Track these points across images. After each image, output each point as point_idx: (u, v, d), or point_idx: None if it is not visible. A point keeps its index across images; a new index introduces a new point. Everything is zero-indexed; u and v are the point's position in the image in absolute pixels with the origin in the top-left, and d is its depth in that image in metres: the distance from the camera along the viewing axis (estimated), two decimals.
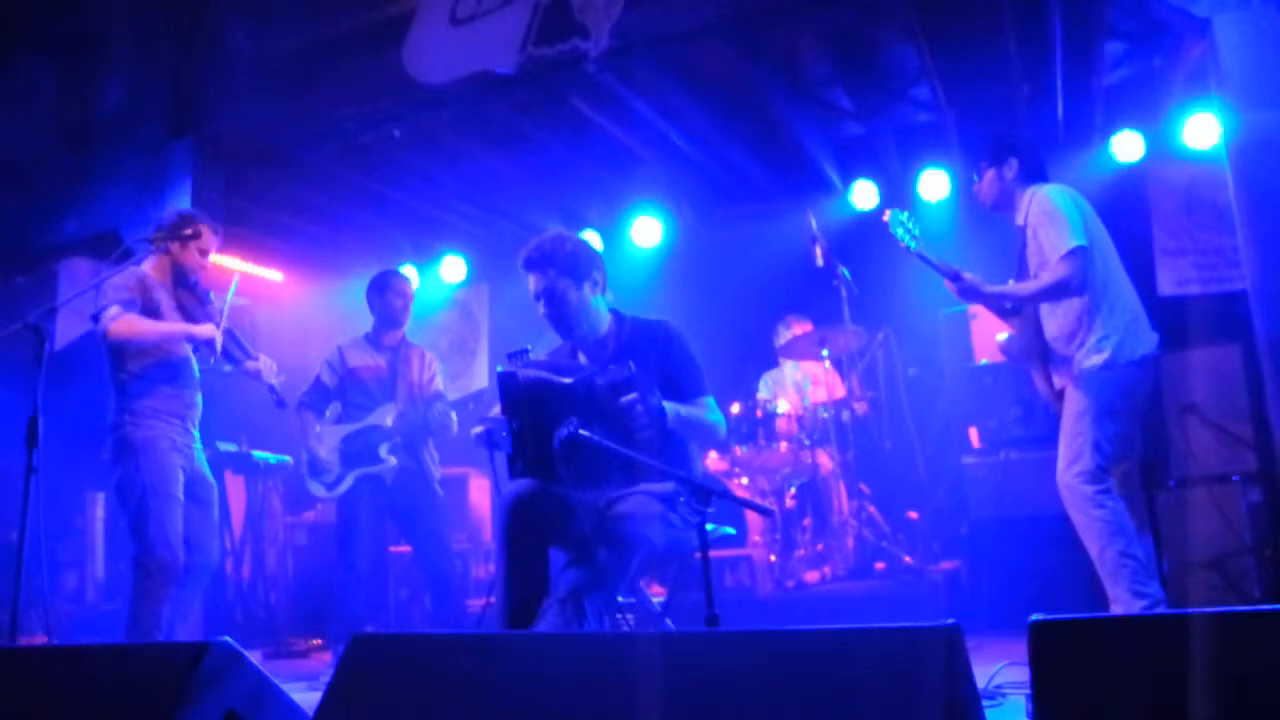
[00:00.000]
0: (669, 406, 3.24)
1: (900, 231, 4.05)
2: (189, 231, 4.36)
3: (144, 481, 4.15)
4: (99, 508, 7.42)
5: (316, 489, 5.26)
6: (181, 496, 4.23)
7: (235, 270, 7.66)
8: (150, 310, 4.27)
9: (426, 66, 5.43)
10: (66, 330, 6.92)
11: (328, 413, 5.35)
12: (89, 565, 7.34)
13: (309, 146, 6.17)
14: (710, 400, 3.51)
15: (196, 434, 4.44)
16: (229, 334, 4.48)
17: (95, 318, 4.21)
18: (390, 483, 5.19)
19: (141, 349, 4.24)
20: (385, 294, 5.41)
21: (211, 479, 4.50)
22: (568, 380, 3.11)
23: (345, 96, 5.67)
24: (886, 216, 4.09)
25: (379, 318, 5.43)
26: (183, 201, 5.80)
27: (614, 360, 3.36)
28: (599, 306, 3.56)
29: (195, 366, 4.44)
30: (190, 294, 4.44)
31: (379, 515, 5.26)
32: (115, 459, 4.24)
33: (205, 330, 4.31)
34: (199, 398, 4.45)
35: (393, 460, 5.18)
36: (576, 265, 3.50)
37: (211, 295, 4.54)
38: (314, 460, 5.23)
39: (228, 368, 4.66)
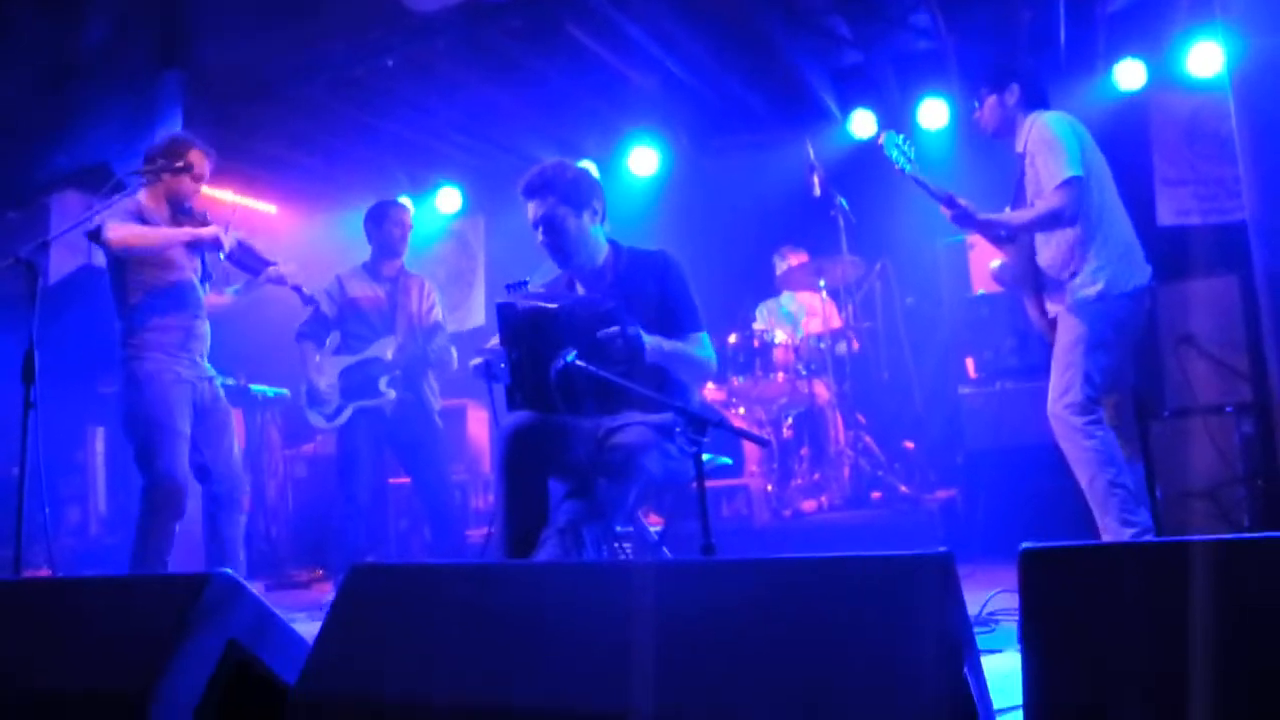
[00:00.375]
0: (649, 340, 3.21)
1: (895, 154, 4.02)
2: (180, 163, 4.30)
3: (147, 414, 4.17)
4: (99, 442, 7.46)
5: (316, 420, 5.28)
6: (187, 429, 4.22)
7: (230, 202, 7.62)
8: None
9: None
10: (60, 264, 6.89)
11: (327, 342, 5.35)
12: (91, 499, 7.40)
13: (301, 78, 6.09)
14: (703, 336, 3.49)
15: (206, 363, 4.42)
16: (241, 245, 4.46)
17: (96, 234, 4.17)
18: (390, 415, 5.21)
19: (143, 266, 4.20)
20: (383, 223, 5.38)
21: (226, 406, 4.49)
22: (552, 305, 3.10)
23: (337, 26, 5.59)
24: (881, 139, 4.06)
25: (377, 247, 5.41)
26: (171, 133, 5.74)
27: (610, 291, 3.35)
28: (597, 236, 3.54)
29: (200, 293, 4.41)
30: (189, 218, 4.40)
31: (378, 447, 5.28)
32: (121, 392, 4.25)
33: (210, 231, 4.27)
34: (206, 327, 4.42)
35: (392, 394, 5.19)
36: (577, 193, 3.48)
37: (207, 216, 4.51)
38: (313, 391, 5.24)
39: (238, 283, 4.65)
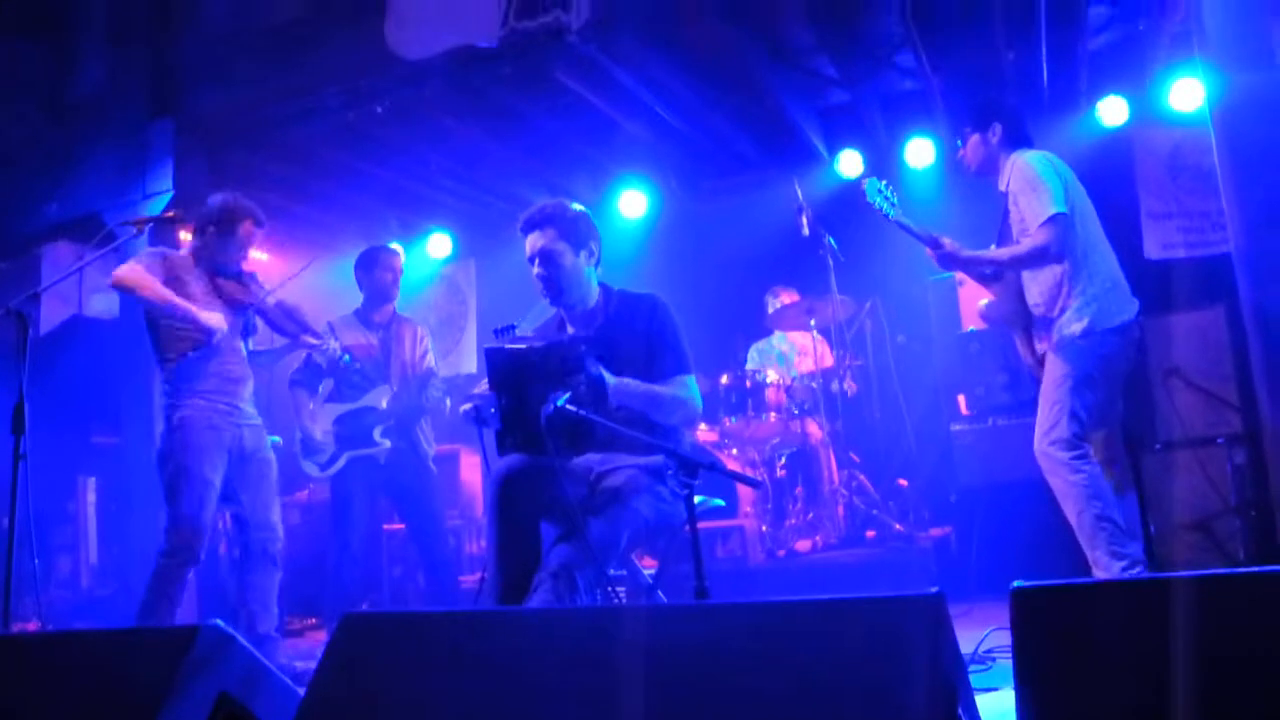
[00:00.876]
0: (612, 381, 3.20)
1: (879, 200, 4.05)
2: (230, 225, 4.31)
3: (177, 461, 4.15)
4: (91, 492, 7.43)
5: (310, 469, 5.27)
6: (215, 478, 4.19)
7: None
8: (174, 290, 4.20)
9: (408, 41, 5.40)
10: (51, 315, 6.90)
11: (320, 389, 5.34)
12: (82, 550, 7.35)
13: (292, 125, 6.12)
14: (689, 380, 3.46)
15: (249, 411, 4.39)
16: (282, 308, 4.45)
17: (115, 287, 4.21)
18: (384, 463, 5.20)
19: (170, 330, 4.20)
20: (374, 269, 5.39)
21: (269, 455, 4.45)
22: (522, 346, 3.11)
23: (327, 73, 5.63)
24: (864, 185, 4.09)
25: (369, 294, 5.41)
26: (163, 182, 5.77)
27: (599, 333, 3.35)
28: (590, 278, 3.54)
29: (239, 345, 4.40)
30: (232, 280, 4.38)
31: (372, 494, 5.27)
32: (160, 437, 4.24)
33: (211, 319, 4.20)
34: (245, 371, 4.40)
35: (386, 443, 5.18)
36: (576, 231, 3.49)
37: (257, 277, 4.51)
38: (308, 440, 5.23)
39: (278, 341, 4.65)
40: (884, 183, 4.10)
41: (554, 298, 3.53)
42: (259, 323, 4.55)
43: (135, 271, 4.13)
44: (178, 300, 4.16)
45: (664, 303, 3.55)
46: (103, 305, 7.36)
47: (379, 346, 5.33)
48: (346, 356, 4.88)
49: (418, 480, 5.26)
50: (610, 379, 3.19)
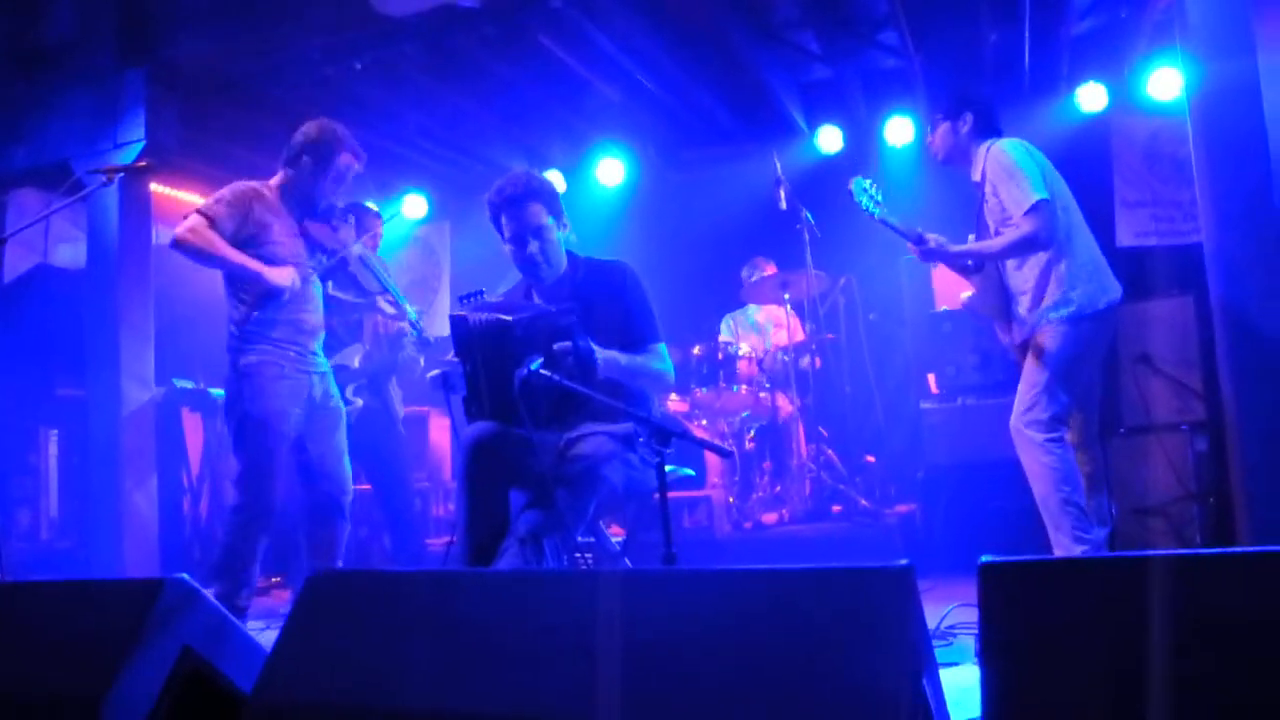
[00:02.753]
0: (601, 355, 3.21)
1: (865, 200, 4.06)
2: (306, 157, 4.02)
3: (245, 409, 3.91)
4: (53, 444, 7.36)
5: None
6: (288, 428, 3.94)
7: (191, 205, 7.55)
8: (256, 231, 3.94)
9: None
10: (15, 263, 6.80)
11: None
12: (42, 502, 7.29)
13: (268, 79, 6.04)
14: (661, 348, 3.50)
15: (320, 358, 4.14)
16: (363, 262, 4.22)
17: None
18: (354, 421, 5.17)
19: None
20: (355, 232, 5.35)
21: (338, 403, 4.19)
22: (507, 318, 3.10)
23: (306, 26, 5.54)
24: (851, 185, 4.09)
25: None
26: (135, 132, 5.67)
27: (569, 301, 3.34)
28: (563, 250, 3.54)
29: (318, 289, 4.14)
30: (319, 220, 4.13)
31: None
32: (226, 382, 4.02)
33: (283, 275, 3.93)
34: (317, 320, 4.13)
35: (359, 401, 5.15)
36: (557, 203, 3.50)
37: (350, 219, 4.24)
38: None
39: (350, 296, 4.47)
40: (869, 182, 4.10)
41: (533, 273, 3.50)
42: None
43: (196, 232, 3.83)
44: (241, 259, 3.89)
45: (632, 270, 3.56)
46: (69, 254, 7.27)
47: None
48: (414, 332, 4.68)
49: (387, 440, 5.24)
50: (599, 352, 3.20)
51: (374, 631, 1.74)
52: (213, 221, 3.87)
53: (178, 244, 3.85)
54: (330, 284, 4.26)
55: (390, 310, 4.47)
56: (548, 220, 3.44)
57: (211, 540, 6.87)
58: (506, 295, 3.68)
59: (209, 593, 1.98)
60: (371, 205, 6.02)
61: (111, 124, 5.76)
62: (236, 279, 3.97)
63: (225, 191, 3.97)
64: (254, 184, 4.05)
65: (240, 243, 3.92)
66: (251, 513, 3.89)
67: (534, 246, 3.43)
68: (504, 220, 3.45)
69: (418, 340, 4.67)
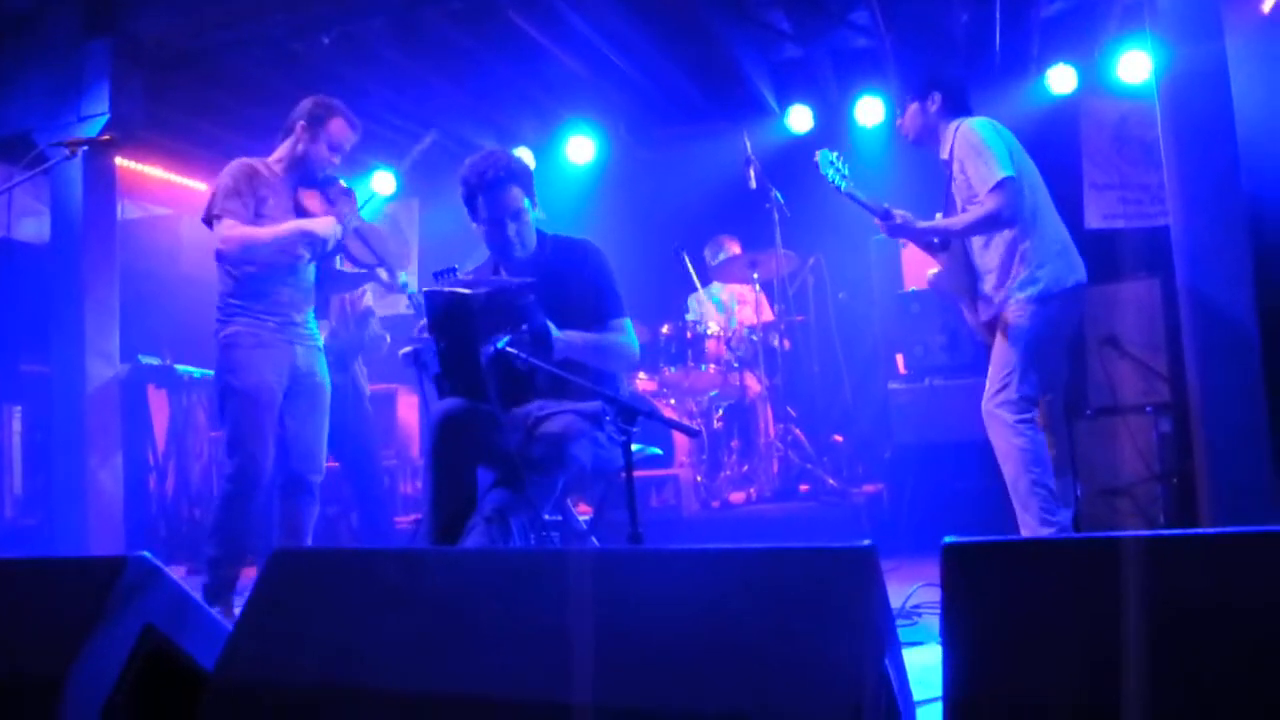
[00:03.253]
0: (559, 335, 3.21)
1: (830, 172, 4.06)
2: (320, 122, 4.02)
3: (226, 381, 3.90)
4: (16, 420, 7.28)
5: None
6: (269, 396, 3.90)
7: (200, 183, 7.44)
8: (254, 208, 3.93)
9: None
10: None
11: None
12: (6, 479, 7.21)
13: (235, 51, 5.95)
14: (626, 323, 3.51)
15: (307, 330, 4.09)
16: (360, 235, 4.17)
17: (207, 222, 3.93)
18: None
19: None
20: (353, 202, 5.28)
21: (322, 380, 4.14)
22: (466, 292, 3.08)
23: (273, 0, 5.47)
24: (817, 157, 4.09)
25: None
26: (99, 105, 5.58)
27: (537, 278, 3.33)
28: (533, 225, 3.54)
29: (307, 260, 4.08)
30: (315, 190, 4.10)
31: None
32: (216, 358, 3.99)
33: (323, 224, 3.95)
34: (299, 294, 4.07)
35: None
36: (531, 184, 3.50)
37: (344, 186, 4.21)
38: None
39: (349, 268, 4.40)
40: (836, 154, 4.10)
41: (505, 252, 3.49)
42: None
43: (238, 237, 3.83)
44: (282, 231, 3.90)
45: (597, 247, 3.58)
46: (33, 229, 7.16)
47: None
48: (408, 301, 4.64)
49: (354, 418, 5.21)
50: (555, 331, 3.19)
51: (338, 610, 1.73)
52: (236, 216, 3.87)
53: (222, 258, 3.87)
54: (339, 258, 4.22)
55: (386, 279, 4.44)
56: (524, 203, 3.44)
57: (177, 518, 6.83)
58: (475, 272, 3.66)
59: (177, 570, 1.96)
60: (341, 183, 5.94)
61: (75, 96, 5.67)
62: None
63: (226, 180, 3.95)
64: (250, 160, 4.05)
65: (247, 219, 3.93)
66: (241, 480, 3.87)
67: (511, 229, 3.43)
68: (480, 202, 3.43)
69: (413, 306, 4.66)
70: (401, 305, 5.24)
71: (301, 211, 4.07)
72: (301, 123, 4.06)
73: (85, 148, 4.33)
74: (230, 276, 3.95)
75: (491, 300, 3.09)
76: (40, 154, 4.60)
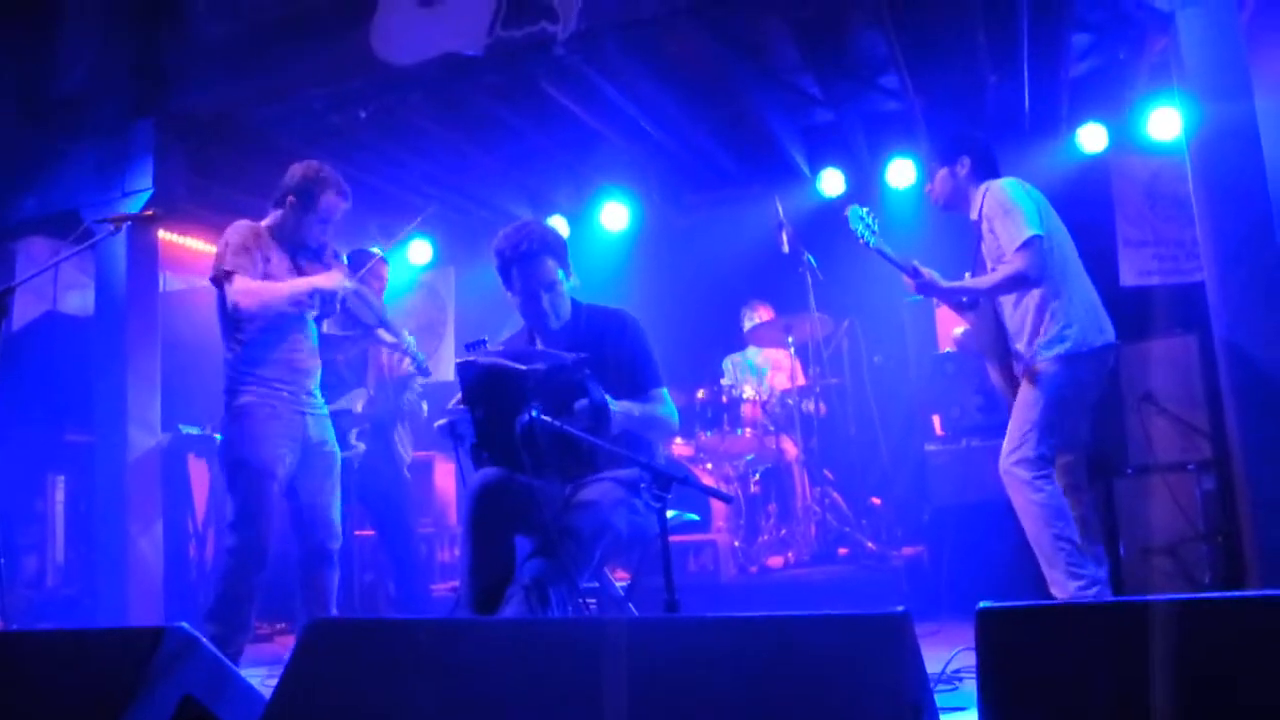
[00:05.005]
0: (615, 407, 3.22)
1: (860, 227, 4.08)
2: (293, 198, 4.04)
3: (237, 452, 3.88)
4: (59, 491, 7.37)
5: None
6: (281, 470, 3.89)
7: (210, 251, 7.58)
8: (260, 268, 3.96)
9: (394, 47, 5.39)
10: (24, 311, 6.84)
11: None
12: (49, 549, 7.28)
13: (275, 126, 6.10)
14: (664, 392, 3.51)
15: (316, 400, 4.11)
16: (360, 296, 4.21)
17: (216, 283, 3.92)
18: (358, 467, 5.16)
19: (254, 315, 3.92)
20: (361, 276, 5.36)
21: (334, 449, 4.13)
22: (521, 367, 3.10)
23: (312, 76, 5.61)
24: (847, 212, 4.12)
25: None
26: (143, 180, 5.73)
27: (572, 349, 3.35)
28: (568, 295, 3.57)
29: (312, 329, 4.13)
30: (312, 260, 4.13)
31: (346, 499, 5.23)
32: (221, 426, 4.00)
33: (332, 279, 3.98)
34: (315, 362, 4.11)
35: (361, 446, 5.15)
36: (565, 254, 3.51)
37: (343, 257, 4.27)
38: None
39: (342, 331, 4.47)
40: (866, 210, 4.12)
41: (541, 322, 3.51)
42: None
43: (253, 293, 3.85)
44: (293, 286, 3.93)
45: (633, 317, 3.58)
46: (77, 302, 7.32)
47: (359, 353, 5.28)
48: (422, 356, 4.67)
49: (391, 486, 5.24)
50: (613, 404, 3.20)
51: (373, 679, 1.74)
52: (246, 272, 3.90)
53: (240, 312, 3.87)
54: (325, 324, 4.24)
55: (389, 339, 4.47)
56: (559, 274, 3.46)
57: (208, 588, 6.85)
58: (509, 342, 3.69)
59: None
60: (376, 250, 6.03)
61: (120, 173, 5.83)
62: (231, 317, 3.96)
63: (234, 238, 3.96)
64: (249, 223, 4.08)
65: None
66: (245, 555, 3.84)
67: (545, 300, 3.45)
68: (515, 273, 3.45)
69: (418, 368, 4.67)
70: (407, 364, 5.25)
71: (302, 273, 4.09)
72: (291, 198, 4.07)
73: (129, 223, 4.42)
74: (237, 343, 3.96)
75: (549, 376, 3.11)
76: (86, 230, 4.71)
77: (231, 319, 3.96)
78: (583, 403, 3.13)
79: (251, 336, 3.95)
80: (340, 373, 5.22)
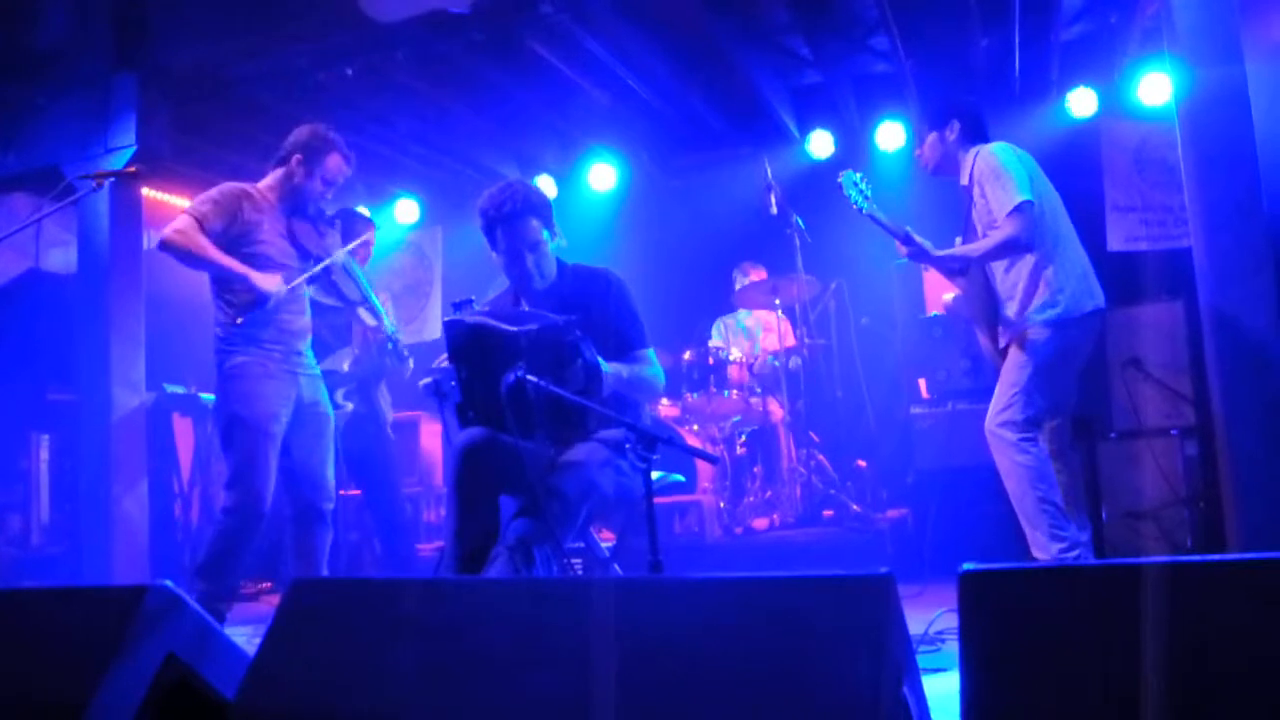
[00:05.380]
0: (608, 369, 3.22)
1: (853, 193, 4.07)
2: (301, 156, 4.02)
3: (232, 411, 3.88)
4: (44, 449, 7.34)
5: None
6: (276, 429, 3.89)
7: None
8: (244, 231, 3.93)
9: (381, 3, 5.32)
10: (6, 267, 6.79)
11: None
12: (34, 508, 7.27)
13: (260, 83, 6.04)
14: (650, 353, 3.52)
15: (308, 360, 4.12)
16: (346, 271, 4.21)
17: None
18: (343, 426, 5.15)
19: (246, 261, 3.89)
20: (346, 238, 5.32)
21: (326, 408, 4.13)
22: (512, 329, 3.10)
23: (297, 31, 5.54)
24: (840, 177, 4.10)
25: None
26: (126, 137, 5.66)
27: (557, 310, 3.34)
28: (553, 255, 3.55)
29: (305, 292, 4.13)
30: (306, 223, 4.11)
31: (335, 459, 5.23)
32: (216, 386, 3.98)
33: (267, 281, 3.90)
34: (303, 320, 4.12)
35: (349, 406, 5.14)
36: (550, 214, 3.50)
37: (337, 225, 4.25)
38: None
39: (333, 302, 4.46)
40: (859, 175, 4.11)
41: (524, 282, 3.50)
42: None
43: (184, 234, 3.80)
44: (229, 263, 3.87)
45: (619, 278, 3.58)
46: (61, 259, 7.26)
47: (343, 310, 5.25)
48: (399, 336, 4.67)
49: (376, 445, 5.24)
50: (605, 366, 3.20)
51: (358, 639, 1.74)
52: (201, 222, 3.86)
53: (165, 245, 3.84)
54: (314, 288, 4.22)
55: (370, 321, 4.47)
56: (543, 234, 3.45)
57: (201, 545, 6.86)
58: (494, 302, 3.68)
59: (191, 596, 1.97)
60: (363, 210, 5.99)
61: (103, 128, 5.76)
62: (223, 281, 3.95)
63: (214, 191, 3.96)
64: (243, 185, 4.05)
65: (228, 241, 3.91)
66: (242, 515, 3.85)
67: (529, 261, 3.44)
68: (499, 234, 3.44)
69: (394, 353, 4.68)
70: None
71: (294, 240, 4.08)
72: (298, 156, 4.06)
73: (112, 179, 4.37)
74: (230, 305, 3.94)
75: (540, 337, 3.10)
76: (68, 186, 4.66)
77: (216, 277, 3.94)
78: (577, 364, 3.12)
79: (244, 298, 3.92)
80: (323, 333, 5.18)
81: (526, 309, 3.51)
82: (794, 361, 6.28)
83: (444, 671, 1.61)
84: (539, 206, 3.46)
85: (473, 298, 3.32)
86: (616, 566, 3.79)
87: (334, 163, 4.10)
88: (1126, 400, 5.33)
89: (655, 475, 2.95)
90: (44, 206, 4.68)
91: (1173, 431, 5.13)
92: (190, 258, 3.85)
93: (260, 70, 5.87)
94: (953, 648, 3.33)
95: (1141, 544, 5.00)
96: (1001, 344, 3.97)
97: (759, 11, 6.11)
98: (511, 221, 3.41)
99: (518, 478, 3.23)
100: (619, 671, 1.48)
